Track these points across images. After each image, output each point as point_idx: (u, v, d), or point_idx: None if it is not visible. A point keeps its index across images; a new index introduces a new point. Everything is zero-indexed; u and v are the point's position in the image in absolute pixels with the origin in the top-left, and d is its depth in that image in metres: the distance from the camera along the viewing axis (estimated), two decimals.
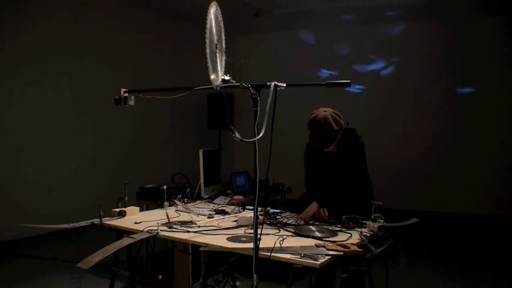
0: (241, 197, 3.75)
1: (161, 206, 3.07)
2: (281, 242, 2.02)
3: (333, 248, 1.95)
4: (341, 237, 2.19)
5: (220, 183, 4.14)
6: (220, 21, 1.71)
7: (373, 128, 6.67)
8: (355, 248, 1.96)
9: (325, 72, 7.40)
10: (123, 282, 3.41)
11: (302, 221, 2.52)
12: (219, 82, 1.67)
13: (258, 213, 1.76)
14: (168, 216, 2.54)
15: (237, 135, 1.60)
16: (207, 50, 1.59)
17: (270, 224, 2.49)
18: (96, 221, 2.54)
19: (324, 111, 2.61)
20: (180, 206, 2.93)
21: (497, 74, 6.47)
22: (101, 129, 5.79)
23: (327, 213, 2.58)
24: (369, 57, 7.17)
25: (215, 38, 1.66)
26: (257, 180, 1.66)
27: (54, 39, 5.22)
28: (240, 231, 2.32)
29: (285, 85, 1.78)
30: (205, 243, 2.10)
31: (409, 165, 6.84)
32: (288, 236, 2.21)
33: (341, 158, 2.68)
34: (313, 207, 2.59)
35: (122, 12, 6.10)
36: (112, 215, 2.69)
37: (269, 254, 1.86)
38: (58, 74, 5.29)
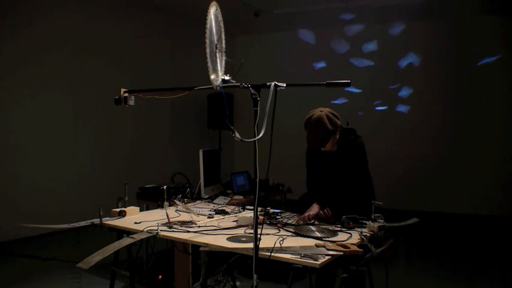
0: (241, 197, 3.74)
1: (161, 206, 3.07)
2: (281, 242, 2.02)
3: (333, 248, 1.95)
4: (341, 237, 2.18)
5: (220, 183, 4.13)
6: (220, 21, 1.71)
7: (374, 128, 6.67)
8: (355, 248, 1.95)
9: (324, 71, 7.40)
10: (123, 282, 3.41)
11: (302, 221, 2.51)
12: (219, 82, 1.67)
13: (258, 213, 1.76)
14: (168, 216, 2.54)
15: (237, 135, 1.60)
16: (207, 50, 1.59)
17: (270, 224, 2.49)
18: (96, 221, 2.54)
19: (320, 111, 2.59)
20: (180, 206, 2.92)
21: (497, 75, 6.47)
22: (101, 129, 5.79)
23: (330, 212, 2.57)
24: (368, 57, 7.17)
25: (215, 38, 1.66)
26: (257, 180, 1.65)
27: (53, 39, 5.22)
28: (240, 231, 2.31)
29: (285, 85, 1.78)
30: (205, 243, 2.09)
31: (409, 165, 6.84)
32: (288, 236, 2.21)
33: (342, 158, 2.68)
34: (314, 208, 2.59)
35: (122, 12, 6.10)
36: (112, 215, 2.69)
37: (269, 254, 1.85)
38: (57, 74, 5.28)
